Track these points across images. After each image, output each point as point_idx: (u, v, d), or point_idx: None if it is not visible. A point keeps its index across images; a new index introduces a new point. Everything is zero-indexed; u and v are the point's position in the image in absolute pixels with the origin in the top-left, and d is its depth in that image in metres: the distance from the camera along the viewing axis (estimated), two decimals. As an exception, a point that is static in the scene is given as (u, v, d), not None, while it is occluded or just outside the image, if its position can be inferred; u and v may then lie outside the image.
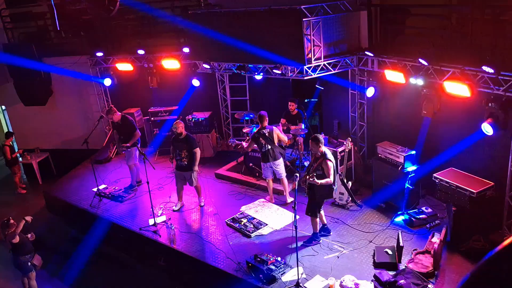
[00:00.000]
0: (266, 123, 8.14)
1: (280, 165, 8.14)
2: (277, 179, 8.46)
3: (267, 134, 8.02)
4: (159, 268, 7.94)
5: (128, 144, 9.04)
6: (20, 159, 11.89)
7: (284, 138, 8.27)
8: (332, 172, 6.66)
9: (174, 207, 8.61)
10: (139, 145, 9.19)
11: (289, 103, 9.48)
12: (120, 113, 9.29)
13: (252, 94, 11.09)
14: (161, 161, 10.81)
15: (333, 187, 6.86)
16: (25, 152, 12.12)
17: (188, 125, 10.47)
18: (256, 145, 8.25)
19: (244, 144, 8.69)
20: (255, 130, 8.43)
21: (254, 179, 9.35)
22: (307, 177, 6.66)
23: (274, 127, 8.18)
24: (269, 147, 8.02)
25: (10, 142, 11.37)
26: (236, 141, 8.91)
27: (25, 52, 11.29)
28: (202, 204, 8.66)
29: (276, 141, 8.07)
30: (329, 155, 6.78)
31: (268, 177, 8.34)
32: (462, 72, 6.61)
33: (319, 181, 6.54)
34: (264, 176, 8.44)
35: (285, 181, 8.30)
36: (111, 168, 10.81)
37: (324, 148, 6.83)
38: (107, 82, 11.20)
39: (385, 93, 8.57)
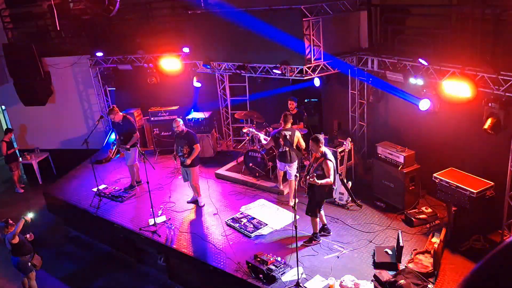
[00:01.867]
0: (289, 125, 8.09)
1: (293, 167, 8.12)
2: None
3: (288, 137, 7.96)
4: (159, 268, 7.94)
5: (127, 146, 9.04)
6: (20, 159, 11.87)
7: (303, 144, 8.18)
8: (332, 172, 6.66)
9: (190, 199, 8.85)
10: (138, 145, 9.19)
11: (289, 101, 9.49)
12: (122, 114, 9.29)
13: (252, 94, 11.09)
14: (161, 161, 10.82)
15: (333, 187, 6.86)
16: (25, 152, 12.12)
17: (188, 125, 10.47)
18: (274, 144, 8.22)
19: (263, 139, 8.74)
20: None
21: (254, 179, 9.35)
22: (307, 177, 6.65)
23: (297, 131, 8.15)
24: (287, 149, 8.00)
25: (9, 139, 11.34)
26: (255, 131, 9.05)
27: (25, 52, 11.31)
28: (202, 204, 8.64)
29: (294, 144, 8.05)
30: (329, 155, 6.77)
31: (282, 170, 8.46)
32: (462, 72, 6.60)
33: (319, 181, 6.53)
34: (279, 168, 8.52)
35: (293, 184, 8.28)
36: (111, 168, 10.81)
37: (324, 148, 6.82)
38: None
39: (385, 93, 8.56)
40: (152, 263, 7.98)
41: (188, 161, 8.03)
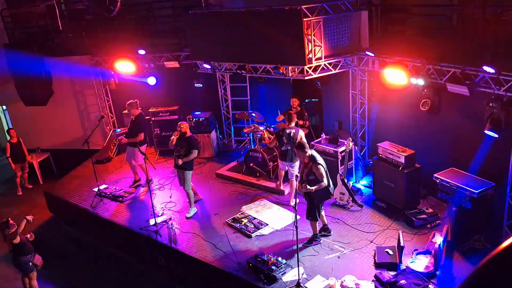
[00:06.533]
0: (293, 123, 8.11)
1: (295, 167, 8.07)
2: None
3: (291, 135, 7.97)
4: (159, 268, 7.94)
5: (125, 138, 9.06)
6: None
7: (306, 145, 8.16)
8: (324, 175, 6.63)
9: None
10: (144, 146, 9.21)
11: (292, 99, 9.49)
12: (140, 111, 9.31)
13: (253, 94, 11.10)
14: (162, 161, 10.82)
15: (329, 188, 6.83)
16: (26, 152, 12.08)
17: (189, 125, 10.45)
18: (277, 142, 8.21)
19: (267, 138, 8.76)
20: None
21: (254, 179, 9.35)
22: (301, 187, 6.62)
23: (300, 130, 8.16)
24: (289, 147, 7.99)
25: (17, 139, 11.23)
26: (260, 127, 9.09)
27: (26, 52, 11.31)
28: (189, 215, 8.30)
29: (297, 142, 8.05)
30: (318, 158, 6.72)
31: (284, 170, 8.45)
32: (463, 72, 6.60)
33: (314, 188, 6.52)
34: (280, 168, 8.52)
35: (294, 184, 8.27)
36: (112, 168, 10.81)
37: (311, 152, 6.79)
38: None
39: (386, 93, 8.56)
40: (152, 263, 7.98)
41: (180, 161, 7.92)
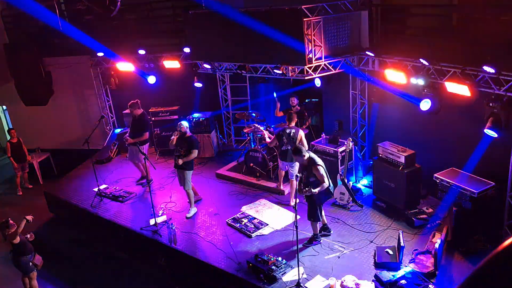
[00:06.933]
0: (293, 123, 8.10)
1: (295, 168, 8.06)
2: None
3: (291, 135, 7.97)
4: (159, 268, 7.94)
5: (130, 139, 9.09)
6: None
7: (305, 144, 8.11)
8: (324, 175, 6.63)
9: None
10: (145, 145, 9.21)
11: (291, 98, 9.47)
12: (142, 110, 9.39)
13: (253, 94, 11.09)
14: (162, 161, 10.83)
15: (330, 188, 6.83)
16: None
17: (189, 125, 10.46)
18: (277, 142, 8.21)
19: (267, 136, 8.80)
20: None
21: (254, 179, 9.35)
22: (303, 191, 6.61)
23: (300, 130, 8.16)
24: (289, 147, 7.97)
25: (17, 138, 11.21)
26: (260, 127, 9.09)
27: (26, 52, 11.31)
28: (189, 215, 8.31)
29: (297, 142, 8.02)
30: (317, 160, 6.73)
31: (284, 170, 8.46)
32: (463, 72, 6.60)
33: (316, 190, 6.52)
34: (280, 168, 8.53)
35: (294, 184, 8.27)
36: (112, 168, 10.81)
37: (308, 154, 6.78)
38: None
39: (386, 93, 8.56)
40: (152, 263, 7.98)
41: (180, 161, 7.91)
